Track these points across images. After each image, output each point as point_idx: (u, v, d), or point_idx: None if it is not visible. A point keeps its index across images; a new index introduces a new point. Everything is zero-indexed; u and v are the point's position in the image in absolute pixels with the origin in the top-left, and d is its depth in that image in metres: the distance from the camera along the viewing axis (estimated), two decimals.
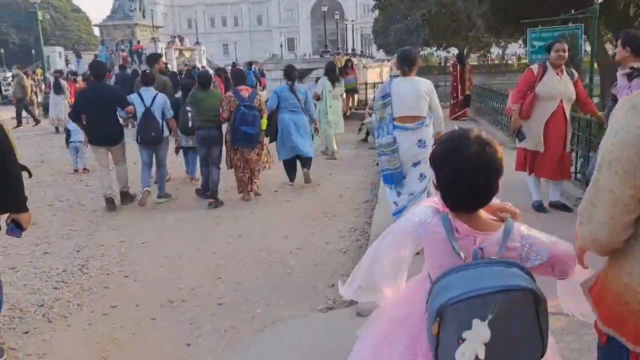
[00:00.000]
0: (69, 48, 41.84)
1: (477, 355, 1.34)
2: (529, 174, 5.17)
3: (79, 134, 8.90)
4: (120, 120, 6.89)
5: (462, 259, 1.48)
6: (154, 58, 8.48)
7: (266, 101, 7.37)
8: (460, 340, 1.35)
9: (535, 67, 5.05)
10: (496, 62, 50.48)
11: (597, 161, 1.38)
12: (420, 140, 4.30)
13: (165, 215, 6.24)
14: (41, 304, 3.92)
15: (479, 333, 1.33)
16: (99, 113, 6.28)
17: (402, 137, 4.27)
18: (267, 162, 6.95)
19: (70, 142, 8.90)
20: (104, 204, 6.53)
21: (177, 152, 7.61)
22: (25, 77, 16.97)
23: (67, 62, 34.57)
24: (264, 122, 6.55)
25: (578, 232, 1.47)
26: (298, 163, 7.39)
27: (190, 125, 6.61)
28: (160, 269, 4.60)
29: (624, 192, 1.30)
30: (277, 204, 6.57)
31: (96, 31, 42.70)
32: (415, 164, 4.35)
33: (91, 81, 7.78)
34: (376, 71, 25.74)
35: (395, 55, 7.30)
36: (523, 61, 47.98)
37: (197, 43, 39.98)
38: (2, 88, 28.19)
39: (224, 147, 6.67)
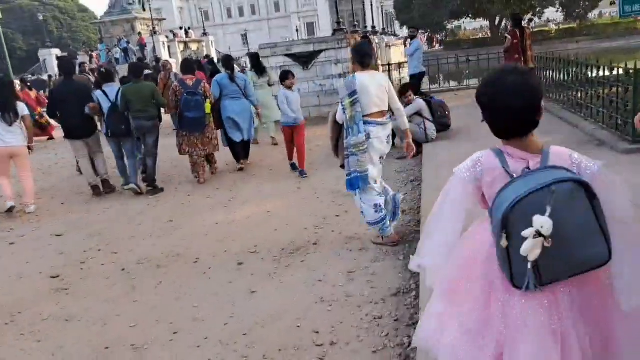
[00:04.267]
0: (73, 50, 39.58)
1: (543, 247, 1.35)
2: None
3: None
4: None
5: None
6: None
7: None
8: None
9: None
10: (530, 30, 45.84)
11: None
12: (388, 136, 4.31)
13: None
14: None
15: (541, 226, 1.31)
16: (70, 109, 6.69)
17: (375, 132, 4.16)
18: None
19: None
20: None
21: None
22: None
23: None
24: (207, 106, 6.83)
25: None
26: None
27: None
28: None
29: None
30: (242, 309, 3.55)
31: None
32: (380, 159, 4.31)
33: (61, 79, 7.97)
34: (400, 49, 22.67)
35: (400, 36, 6.79)
36: (563, 27, 43.53)
37: (205, 34, 37.11)
38: None
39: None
